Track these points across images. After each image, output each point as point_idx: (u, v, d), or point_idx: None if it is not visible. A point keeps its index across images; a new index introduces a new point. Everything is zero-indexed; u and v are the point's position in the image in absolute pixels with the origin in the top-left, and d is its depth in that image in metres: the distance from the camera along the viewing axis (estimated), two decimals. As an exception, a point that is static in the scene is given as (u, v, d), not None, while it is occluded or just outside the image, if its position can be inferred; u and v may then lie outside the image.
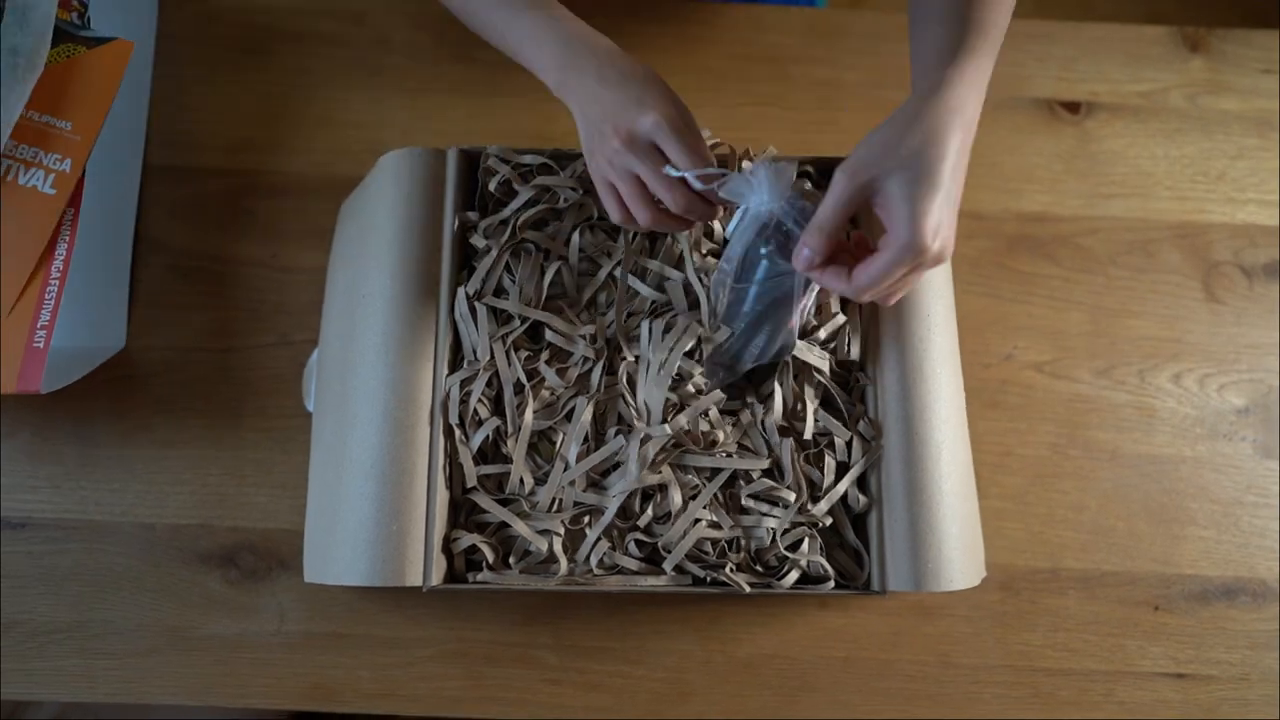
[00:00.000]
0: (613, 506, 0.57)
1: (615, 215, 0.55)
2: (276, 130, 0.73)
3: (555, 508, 0.58)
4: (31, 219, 0.63)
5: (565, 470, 0.58)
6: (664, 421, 0.58)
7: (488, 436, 0.58)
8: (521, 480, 0.58)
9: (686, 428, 0.57)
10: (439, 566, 0.57)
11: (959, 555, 0.57)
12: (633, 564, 0.57)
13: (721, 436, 0.57)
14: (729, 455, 0.58)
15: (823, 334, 0.60)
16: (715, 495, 0.58)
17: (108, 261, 0.68)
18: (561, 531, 0.58)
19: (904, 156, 0.46)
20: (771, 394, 0.59)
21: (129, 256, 0.69)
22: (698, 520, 0.57)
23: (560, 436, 0.59)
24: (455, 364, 0.60)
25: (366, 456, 0.57)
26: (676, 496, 0.57)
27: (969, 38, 0.51)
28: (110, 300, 0.67)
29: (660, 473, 0.57)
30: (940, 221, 0.46)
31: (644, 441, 0.57)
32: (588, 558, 0.58)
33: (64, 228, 0.64)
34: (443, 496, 0.57)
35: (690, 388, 0.59)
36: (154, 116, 0.73)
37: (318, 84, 0.74)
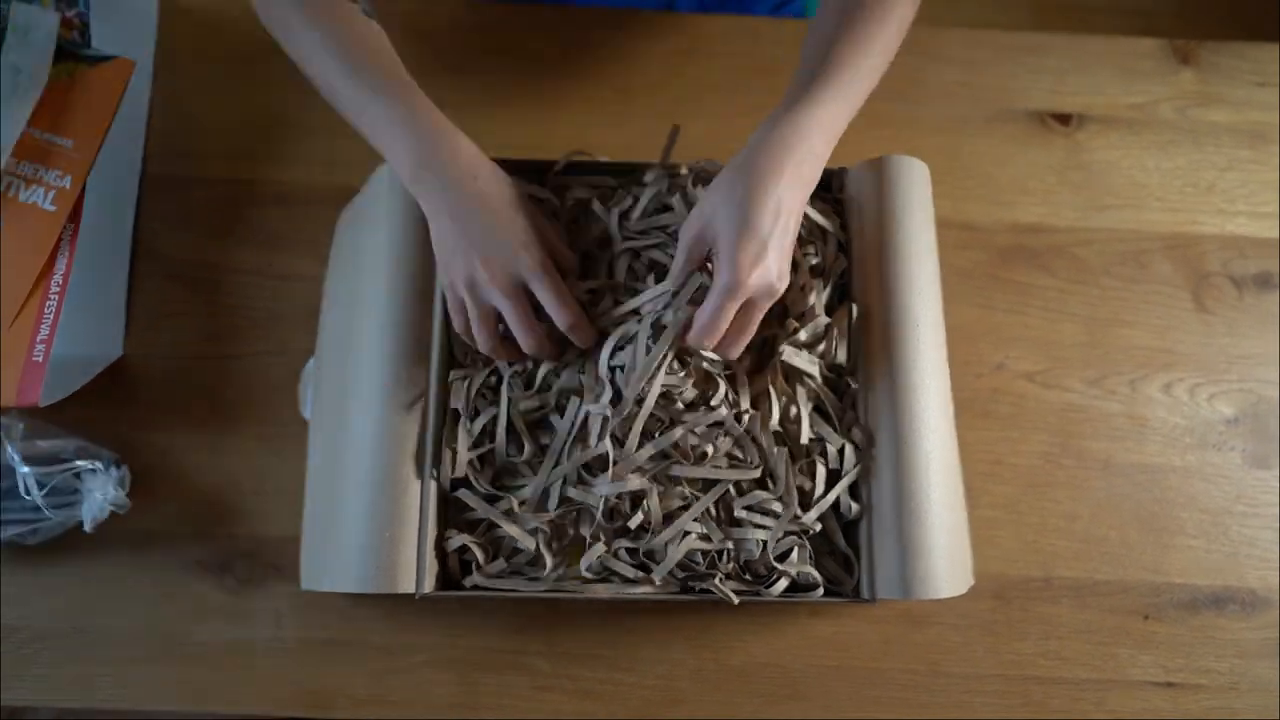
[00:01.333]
0: (600, 506, 0.57)
1: (457, 325, 0.57)
2: (274, 140, 0.74)
3: (544, 505, 0.58)
4: (32, 235, 0.64)
5: (556, 466, 0.58)
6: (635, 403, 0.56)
7: (485, 425, 0.59)
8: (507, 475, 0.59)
9: (676, 443, 0.57)
10: (432, 573, 0.57)
11: (947, 563, 0.57)
12: (627, 570, 0.58)
13: (711, 450, 0.58)
14: (718, 467, 0.58)
15: (804, 335, 0.60)
16: (707, 508, 0.58)
17: (105, 270, 0.68)
18: (548, 529, 0.58)
19: (729, 207, 0.49)
20: (766, 398, 0.59)
21: (127, 265, 0.70)
22: (687, 533, 0.57)
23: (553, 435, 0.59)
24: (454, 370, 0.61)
25: (361, 464, 0.57)
26: (656, 507, 0.56)
27: (817, 81, 0.52)
28: (108, 309, 0.68)
29: (641, 480, 0.56)
30: (759, 258, 0.49)
31: (603, 420, 0.56)
32: (575, 564, 0.58)
33: (63, 242, 0.64)
34: (436, 504, 0.58)
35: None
36: (153, 126, 0.73)
37: (316, 94, 0.74)
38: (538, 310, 0.55)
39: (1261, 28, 1.36)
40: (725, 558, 0.58)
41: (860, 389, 0.60)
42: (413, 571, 0.56)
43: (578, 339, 0.56)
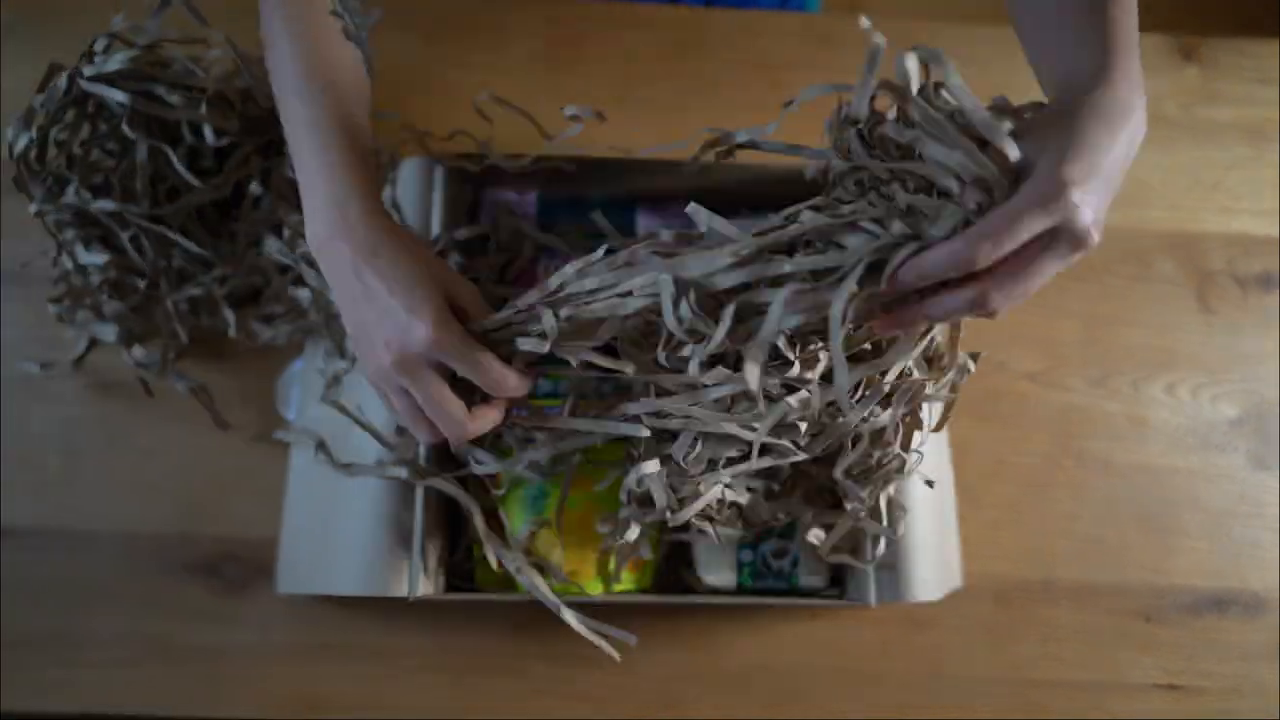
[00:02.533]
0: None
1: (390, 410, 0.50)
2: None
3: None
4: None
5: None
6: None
7: None
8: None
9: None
10: (426, 575, 0.56)
11: (933, 566, 0.56)
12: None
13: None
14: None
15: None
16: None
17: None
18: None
19: (1062, 133, 0.38)
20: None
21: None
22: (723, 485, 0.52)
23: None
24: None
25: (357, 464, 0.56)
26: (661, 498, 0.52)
27: (1118, 39, 0.42)
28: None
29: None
30: (1087, 181, 0.37)
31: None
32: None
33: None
34: (433, 507, 0.57)
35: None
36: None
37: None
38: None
39: (1262, 23, 1.35)
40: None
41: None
42: (406, 574, 0.55)
43: (512, 392, 0.47)
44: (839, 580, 0.61)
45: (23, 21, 0.74)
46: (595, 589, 0.57)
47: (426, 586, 0.56)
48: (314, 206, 0.47)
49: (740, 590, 0.60)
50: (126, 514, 0.64)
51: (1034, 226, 0.37)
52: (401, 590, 0.55)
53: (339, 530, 0.56)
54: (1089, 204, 0.37)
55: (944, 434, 0.60)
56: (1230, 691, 0.64)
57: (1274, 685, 0.64)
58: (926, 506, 0.57)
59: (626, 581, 0.58)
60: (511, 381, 0.47)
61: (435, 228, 0.61)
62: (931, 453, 0.57)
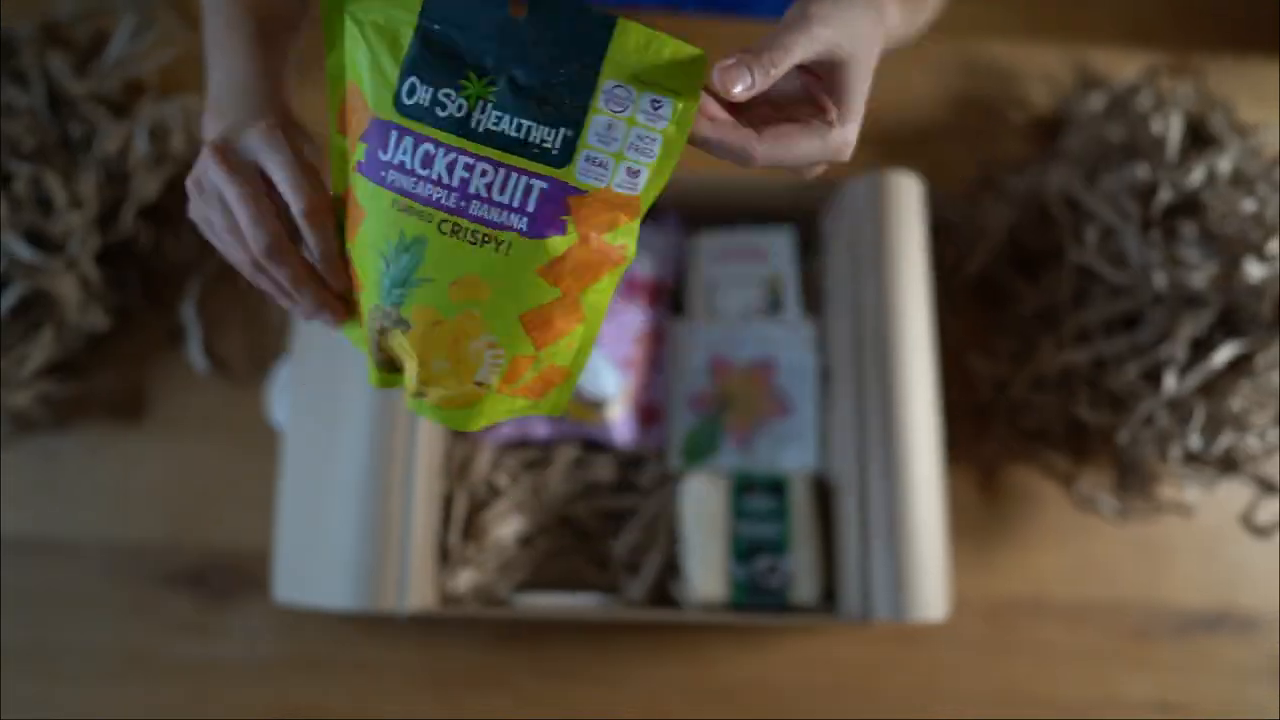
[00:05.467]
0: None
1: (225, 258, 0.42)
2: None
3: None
4: None
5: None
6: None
7: None
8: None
9: None
10: (417, 591, 0.55)
11: (936, 585, 0.56)
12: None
13: None
14: None
15: None
16: None
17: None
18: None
19: (864, 38, 0.38)
20: None
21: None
22: None
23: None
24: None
25: (350, 480, 0.56)
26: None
27: None
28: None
29: None
30: (854, 129, 0.39)
31: None
32: None
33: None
34: (422, 519, 0.56)
35: None
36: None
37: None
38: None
39: (1256, 40, 1.36)
40: None
41: (859, 413, 0.59)
42: (397, 590, 0.54)
43: (312, 238, 0.39)
44: (830, 597, 0.61)
45: None
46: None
47: (415, 601, 0.55)
48: (212, 86, 0.44)
49: (732, 606, 0.60)
50: (111, 524, 0.63)
51: (813, 160, 0.39)
52: (390, 605, 0.54)
53: (331, 544, 0.55)
54: (851, 141, 0.39)
55: (940, 456, 0.60)
56: (1221, 711, 0.64)
57: (1264, 704, 0.64)
58: (932, 523, 0.57)
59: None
60: (324, 216, 0.39)
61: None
62: (926, 470, 0.57)
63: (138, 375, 0.66)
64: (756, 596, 0.60)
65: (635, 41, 0.34)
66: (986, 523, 0.67)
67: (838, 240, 0.65)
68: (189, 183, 0.41)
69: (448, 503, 0.63)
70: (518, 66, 0.34)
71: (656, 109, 0.35)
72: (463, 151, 0.35)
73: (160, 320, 0.68)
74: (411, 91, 0.35)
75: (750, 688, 0.63)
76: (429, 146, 0.35)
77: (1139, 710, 0.64)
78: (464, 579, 0.61)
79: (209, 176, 0.39)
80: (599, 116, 0.34)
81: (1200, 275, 0.59)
